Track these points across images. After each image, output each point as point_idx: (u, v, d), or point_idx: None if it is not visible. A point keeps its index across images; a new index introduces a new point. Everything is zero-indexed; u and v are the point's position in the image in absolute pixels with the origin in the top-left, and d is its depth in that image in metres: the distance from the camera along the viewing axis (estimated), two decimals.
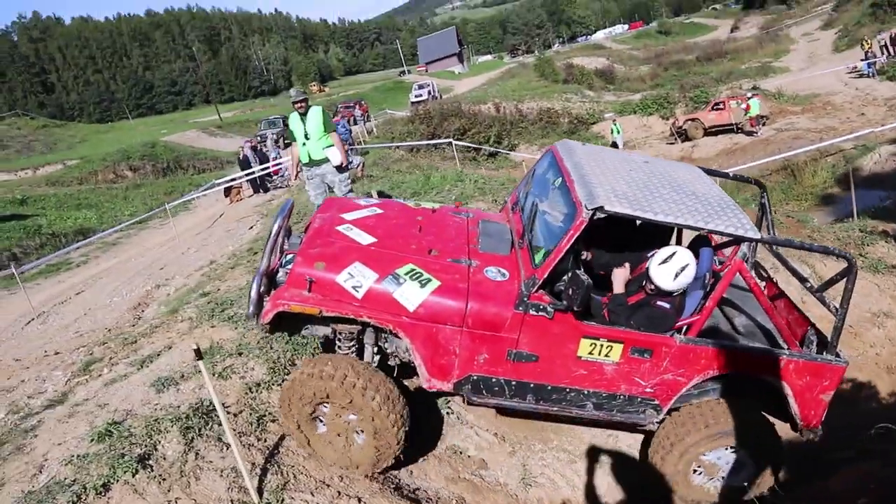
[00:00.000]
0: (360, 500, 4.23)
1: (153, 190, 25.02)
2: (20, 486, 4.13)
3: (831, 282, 4.43)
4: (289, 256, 4.49)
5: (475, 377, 4.20)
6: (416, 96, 44.83)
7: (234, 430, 4.51)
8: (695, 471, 4.56)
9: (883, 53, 33.09)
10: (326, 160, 7.98)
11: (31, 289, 12.24)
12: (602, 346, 4.10)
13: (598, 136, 30.31)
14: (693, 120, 27.40)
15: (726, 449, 4.47)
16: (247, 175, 19.51)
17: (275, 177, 20.34)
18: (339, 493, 4.24)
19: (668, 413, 4.49)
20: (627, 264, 4.59)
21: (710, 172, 5.01)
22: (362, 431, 4.24)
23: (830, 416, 6.68)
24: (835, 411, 6.81)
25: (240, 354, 5.58)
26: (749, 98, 26.03)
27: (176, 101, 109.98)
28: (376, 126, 31.48)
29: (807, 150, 19.63)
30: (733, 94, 28.87)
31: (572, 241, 3.84)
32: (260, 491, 4.08)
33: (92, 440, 4.45)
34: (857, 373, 7.12)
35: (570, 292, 3.77)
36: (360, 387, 4.00)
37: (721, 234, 3.95)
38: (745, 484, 4.57)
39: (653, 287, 4.24)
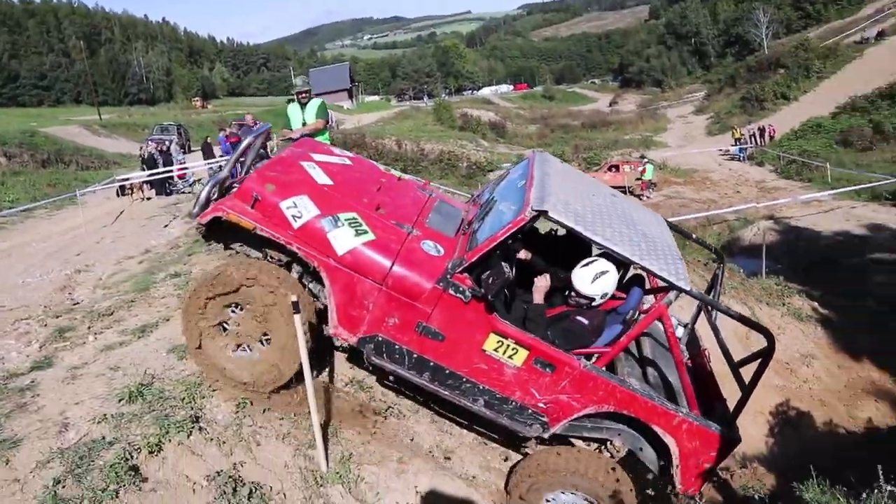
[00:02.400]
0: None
1: (34, 179, 22.95)
2: (46, 442, 3.69)
3: (750, 359, 4.29)
4: None
5: (380, 338, 4.09)
6: None
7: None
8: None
9: (751, 142, 36.72)
10: None
11: None
12: (509, 346, 3.99)
13: None
14: None
15: (575, 493, 4.26)
16: (150, 174, 18.53)
17: (179, 181, 19.47)
18: (403, 470, 4.09)
19: (552, 438, 4.36)
20: (548, 275, 4.41)
21: (672, 228, 5.06)
22: (264, 343, 4.16)
23: (791, 437, 7.32)
24: (789, 433, 7.47)
25: None
26: (645, 162, 27.92)
27: (42, 95, 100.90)
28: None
29: (697, 216, 21.38)
30: (625, 160, 30.78)
31: (508, 234, 3.80)
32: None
33: (121, 400, 4.07)
34: (799, 403, 7.87)
35: (490, 281, 3.70)
36: (282, 294, 3.92)
37: (653, 273, 3.87)
38: None
39: (573, 295, 4.23)
